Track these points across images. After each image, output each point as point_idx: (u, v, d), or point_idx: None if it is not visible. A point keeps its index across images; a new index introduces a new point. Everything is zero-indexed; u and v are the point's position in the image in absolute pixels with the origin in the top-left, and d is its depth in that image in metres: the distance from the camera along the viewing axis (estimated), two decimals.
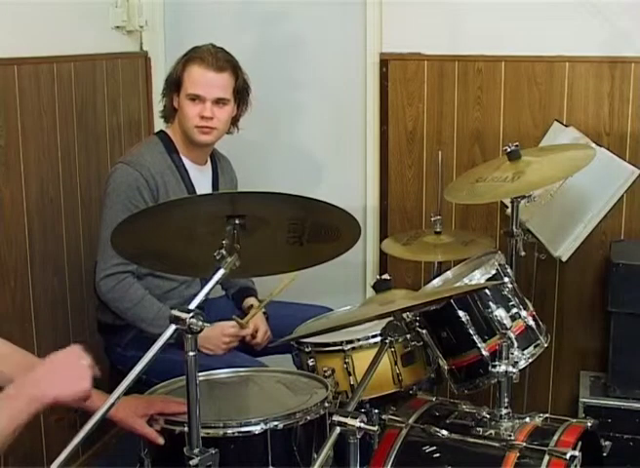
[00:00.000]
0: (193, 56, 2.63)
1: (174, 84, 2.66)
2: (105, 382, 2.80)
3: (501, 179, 2.63)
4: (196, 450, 1.71)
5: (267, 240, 1.86)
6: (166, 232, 1.83)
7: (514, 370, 2.28)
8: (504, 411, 2.32)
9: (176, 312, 1.67)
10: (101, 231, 2.62)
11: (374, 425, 1.76)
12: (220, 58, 2.63)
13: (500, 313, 2.33)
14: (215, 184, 2.82)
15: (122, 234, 1.83)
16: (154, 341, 1.67)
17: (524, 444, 2.19)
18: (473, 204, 3.28)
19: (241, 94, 2.72)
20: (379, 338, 2.31)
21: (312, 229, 1.84)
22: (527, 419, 2.35)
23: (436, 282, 2.63)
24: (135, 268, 2.59)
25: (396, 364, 2.37)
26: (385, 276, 2.41)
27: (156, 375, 2.14)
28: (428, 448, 2.27)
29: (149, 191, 2.59)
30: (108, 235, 1.84)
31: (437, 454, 2.26)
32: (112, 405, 1.63)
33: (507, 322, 2.33)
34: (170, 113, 2.73)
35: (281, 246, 1.89)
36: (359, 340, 2.38)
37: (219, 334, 2.59)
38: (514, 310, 2.36)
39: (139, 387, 1.84)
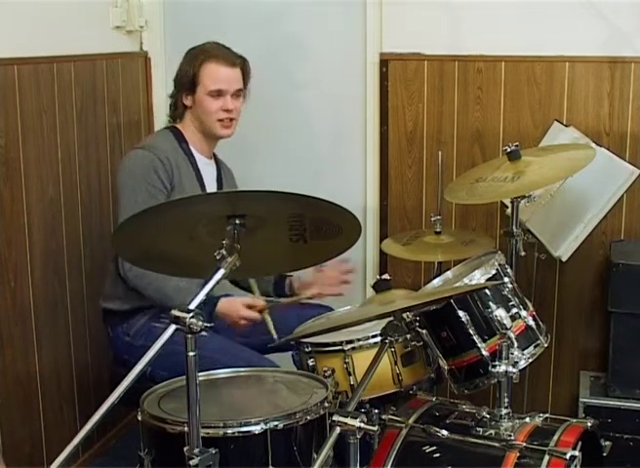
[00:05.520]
0: (207, 55, 2.74)
1: (187, 83, 2.75)
2: (105, 380, 2.82)
3: (501, 179, 2.63)
4: (196, 450, 1.71)
5: (270, 239, 1.86)
6: (167, 233, 1.83)
7: (514, 370, 2.28)
8: (504, 411, 2.33)
9: (176, 312, 1.67)
10: (120, 216, 2.61)
11: (374, 425, 1.76)
12: (230, 55, 2.78)
13: (499, 313, 2.33)
14: (219, 179, 2.90)
15: (123, 236, 1.83)
16: (163, 331, 1.68)
17: (524, 444, 2.19)
18: (473, 204, 3.28)
19: (246, 84, 2.84)
20: (379, 338, 2.31)
21: (313, 225, 1.84)
22: (527, 419, 2.35)
23: (436, 282, 2.63)
24: None
25: (396, 364, 2.37)
26: (385, 276, 2.41)
27: (162, 368, 2.13)
28: (428, 448, 2.27)
29: (165, 172, 2.67)
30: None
31: (437, 454, 2.26)
32: (113, 404, 1.63)
33: (507, 322, 2.33)
34: (180, 112, 2.81)
35: (285, 244, 1.89)
36: (359, 340, 2.38)
37: (235, 316, 2.59)
38: (514, 310, 2.37)
39: (142, 381, 1.83)
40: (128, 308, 2.70)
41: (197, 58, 2.76)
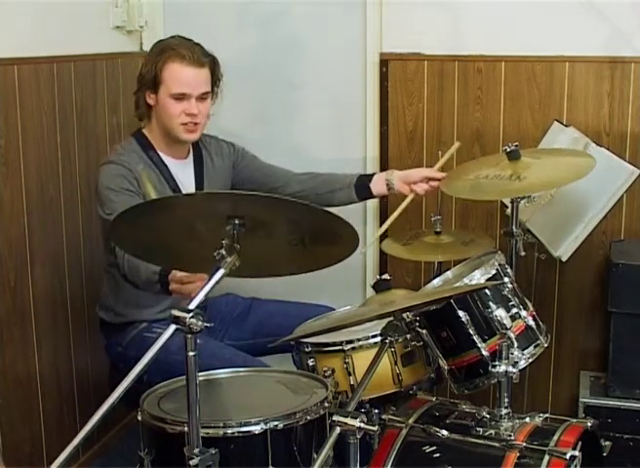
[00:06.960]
0: (171, 53, 2.56)
1: (150, 82, 2.59)
2: (105, 380, 2.82)
3: (501, 178, 2.63)
4: (196, 450, 1.71)
5: (269, 242, 1.86)
6: (166, 228, 1.82)
7: (514, 370, 2.28)
8: (504, 411, 2.32)
9: (176, 312, 1.66)
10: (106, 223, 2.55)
11: (374, 425, 1.76)
12: (197, 53, 2.58)
13: (499, 313, 2.33)
14: (198, 177, 2.76)
15: (122, 230, 1.83)
16: (156, 342, 1.68)
17: (524, 444, 2.19)
18: (473, 201, 3.29)
19: (216, 84, 2.68)
20: (379, 338, 2.31)
21: (312, 232, 1.84)
22: (527, 419, 2.35)
23: (436, 282, 2.63)
24: None
25: (396, 364, 2.37)
26: (385, 276, 2.41)
27: (157, 375, 2.13)
28: (428, 448, 2.27)
29: (134, 182, 2.56)
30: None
31: (437, 454, 2.26)
32: (112, 405, 1.63)
33: (507, 322, 2.33)
34: (144, 111, 2.68)
35: (284, 248, 1.89)
36: (359, 340, 2.38)
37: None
38: (514, 310, 2.37)
39: (139, 387, 1.84)
40: (120, 321, 2.66)
41: (161, 54, 2.56)
